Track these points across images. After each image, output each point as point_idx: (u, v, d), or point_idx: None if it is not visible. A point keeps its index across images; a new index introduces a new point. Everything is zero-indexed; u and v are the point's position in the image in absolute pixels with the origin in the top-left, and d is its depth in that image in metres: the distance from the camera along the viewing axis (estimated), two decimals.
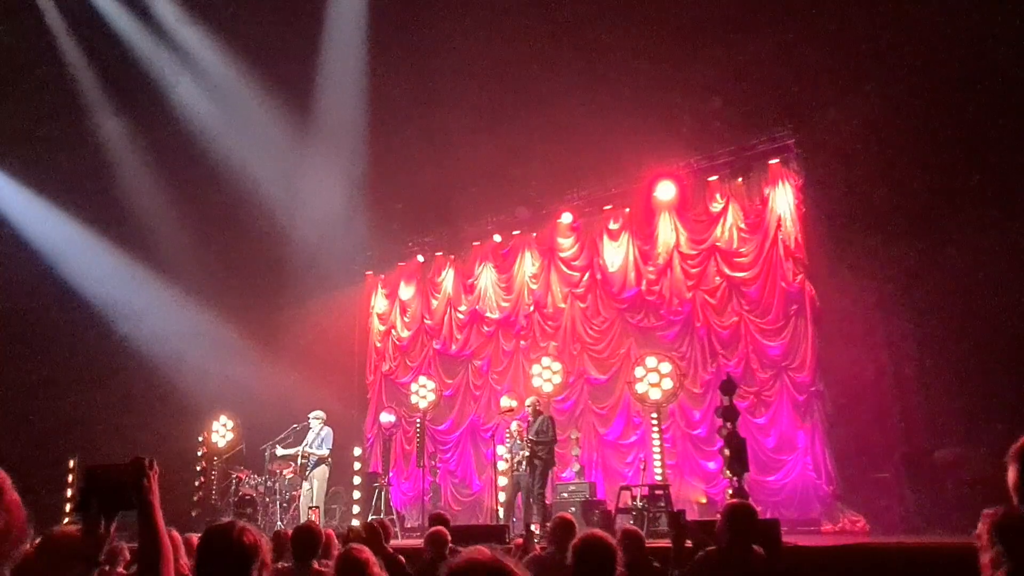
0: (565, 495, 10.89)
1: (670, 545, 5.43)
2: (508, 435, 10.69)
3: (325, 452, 11.30)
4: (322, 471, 11.26)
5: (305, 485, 11.31)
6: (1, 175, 13.11)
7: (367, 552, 3.26)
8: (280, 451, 11.62)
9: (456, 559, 1.72)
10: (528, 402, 10.45)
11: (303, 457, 11.35)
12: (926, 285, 9.54)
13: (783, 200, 11.34)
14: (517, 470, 9.98)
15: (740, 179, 11.85)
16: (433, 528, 6.03)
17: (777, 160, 11.44)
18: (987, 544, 2.49)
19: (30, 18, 12.39)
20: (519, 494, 10.00)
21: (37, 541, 2.32)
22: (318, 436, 11.39)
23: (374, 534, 4.30)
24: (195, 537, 2.88)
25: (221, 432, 13.82)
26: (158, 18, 12.75)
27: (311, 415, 11.61)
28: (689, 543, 4.45)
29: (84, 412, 12.41)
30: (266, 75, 12.72)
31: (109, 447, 11.59)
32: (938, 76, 9.39)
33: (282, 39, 12.54)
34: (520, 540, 7.52)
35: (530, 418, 10.07)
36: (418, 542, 8.12)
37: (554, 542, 5.32)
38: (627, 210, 12.98)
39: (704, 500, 11.11)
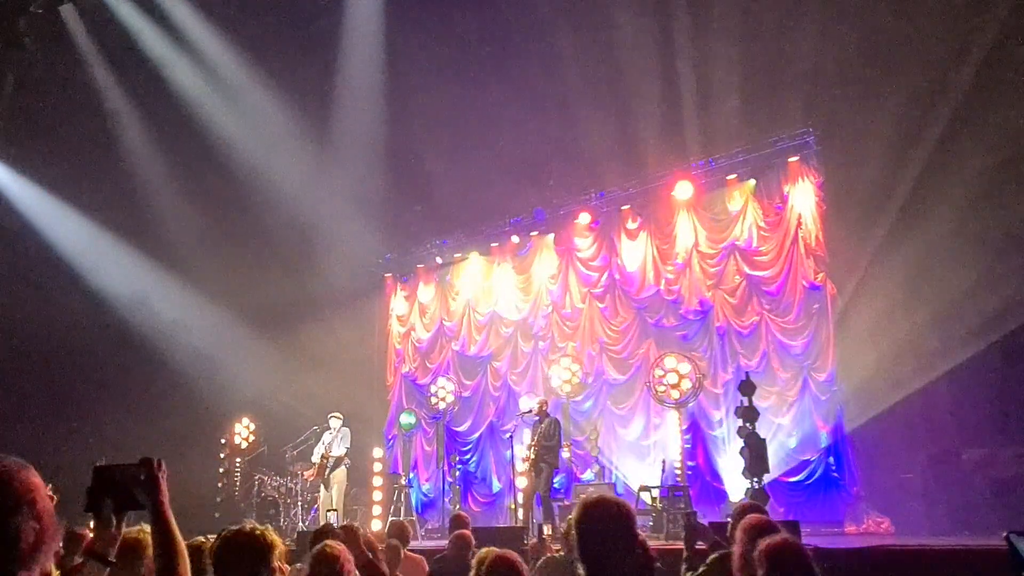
0: (584, 496, 10.82)
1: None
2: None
3: (343, 451, 11.37)
4: (341, 473, 11.31)
5: (324, 492, 11.35)
6: (26, 181, 13.30)
7: (341, 548, 3.18)
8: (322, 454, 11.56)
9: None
10: (535, 403, 10.41)
11: (324, 459, 11.40)
12: (950, 282, 9.36)
13: (803, 198, 11.20)
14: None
15: (753, 181, 11.72)
16: (457, 531, 6.09)
17: (797, 158, 11.30)
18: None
19: (60, 38, 12.58)
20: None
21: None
22: (336, 436, 11.46)
23: (351, 535, 4.26)
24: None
25: (243, 434, 13.97)
26: (177, 24, 12.89)
27: (330, 416, 11.71)
28: (703, 545, 4.40)
29: (106, 415, 12.57)
30: (286, 81, 12.82)
31: (133, 450, 11.71)
32: (960, 71, 9.21)
33: (301, 46, 12.64)
34: (535, 542, 7.52)
35: (536, 419, 10.02)
36: (439, 543, 8.15)
37: (568, 545, 5.29)
38: (640, 213, 12.90)
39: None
